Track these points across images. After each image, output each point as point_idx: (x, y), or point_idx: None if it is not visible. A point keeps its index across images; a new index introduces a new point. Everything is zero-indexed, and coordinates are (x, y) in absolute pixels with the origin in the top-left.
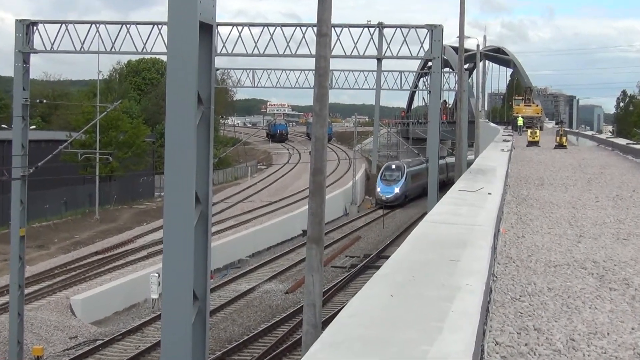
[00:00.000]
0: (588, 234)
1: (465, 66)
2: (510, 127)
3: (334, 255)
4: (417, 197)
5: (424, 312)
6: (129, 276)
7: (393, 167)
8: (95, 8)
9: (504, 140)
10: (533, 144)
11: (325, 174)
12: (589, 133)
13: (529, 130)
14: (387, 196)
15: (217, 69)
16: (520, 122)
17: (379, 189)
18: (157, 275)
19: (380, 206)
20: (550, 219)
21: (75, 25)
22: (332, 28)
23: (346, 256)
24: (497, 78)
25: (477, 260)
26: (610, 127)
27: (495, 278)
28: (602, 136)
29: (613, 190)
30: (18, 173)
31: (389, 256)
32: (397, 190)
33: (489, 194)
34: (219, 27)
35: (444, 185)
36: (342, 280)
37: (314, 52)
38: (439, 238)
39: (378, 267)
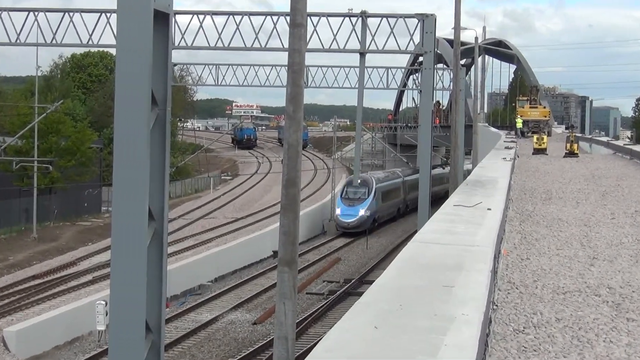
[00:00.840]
0: (602, 256)
1: (462, 62)
2: (513, 132)
3: (309, 280)
4: (391, 220)
5: (412, 346)
6: (72, 304)
7: (358, 182)
8: None
9: (506, 148)
10: (540, 151)
11: (300, 187)
12: (604, 139)
13: (535, 136)
14: (349, 220)
15: (175, 65)
16: (519, 124)
17: (338, 211)
18: (104, 303)
19: (340, 233)
20: (559, 238)
21: (9, 12)
22: (308, 17)
23: (324, 281)
24: (499, 76)
25: (475, 286)
26: (628, 133)
27: (495, 307)
28: (619, 143)
29: (631, 205)
30: None
31: (373, 281)
32: (362, 212)
33: (489, 209)
34: (176, 15)
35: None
36: (318, 309)
37: (286, 45)
38: (430, 260)
39: (360, 294)
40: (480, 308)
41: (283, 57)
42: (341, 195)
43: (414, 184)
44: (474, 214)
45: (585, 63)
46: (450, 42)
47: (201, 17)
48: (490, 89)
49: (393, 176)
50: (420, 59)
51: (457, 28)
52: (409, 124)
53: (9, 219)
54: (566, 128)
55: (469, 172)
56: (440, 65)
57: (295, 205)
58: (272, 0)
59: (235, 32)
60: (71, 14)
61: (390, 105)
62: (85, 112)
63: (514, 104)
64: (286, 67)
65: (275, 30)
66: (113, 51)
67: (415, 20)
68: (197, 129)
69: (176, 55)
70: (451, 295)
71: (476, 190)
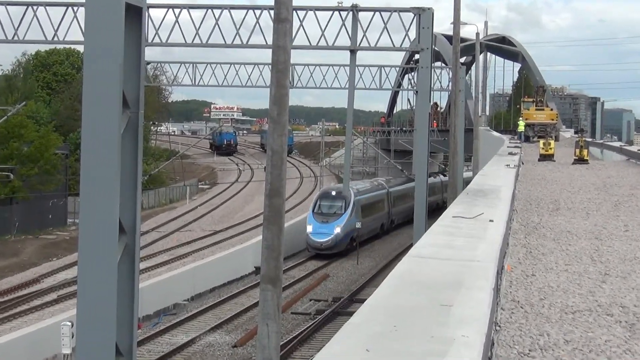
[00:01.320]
0: (615, 272)
1: (462, 60)
2: (517, 137)
3: (294, 298)
4: (373, 238)
5: None
6: (35, 325)
7: (333, 194)
8: None
9: (510, 154)
10: (546, 157)
11: (285, 197)
12: (617, 144)
13: (542, 141)
14: (322, 240)
15: (148, 63)
16: (521, 127)
17: (309, 229)
18: (70, 324)
19: (312, 255)
20: (567, 252)
21: None
22: (294, 11)
23: (310, 300)
24: (502, 75)
25: (476, 305)
26: None
27: (498, 327)
28: (633, 148)
29: None
30: None
31: (365, 300)
32: (337, 229)
33: (491, 221)
34: (150, 9)
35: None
36: (305, 330)
37: (270, 42)
38: (427, 277)
39: (351, 314)
40: (481, 329)
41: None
42: (313, 210)
43: (401, 196)
44: (475, 226)
45: (597, 61)
46: (449, 38)
47: (177, 10)
48: (492, 89)
49: (375, 187)
50: (417, 56)
51: (457, 23)
52: (404, 128)
53: None
54: (575, 132)
55: (469, 180)
56: (438, 64)
57: (279, 217)
58: None
59: (214, 27)
60: (35, 7)
61: (383, 107)
62: (50, 115)
63: (518, 106)
64: (270, 66)
65: (257, 25)
66: (81, 48)
67: (411, 15)
68: (172, 133)
69: (149, 53)
70: (450, 315)
71: (477, 200)
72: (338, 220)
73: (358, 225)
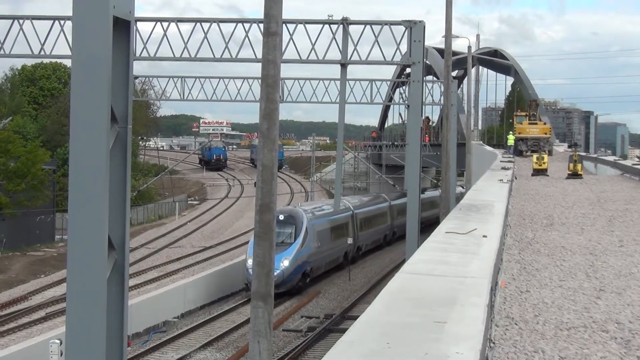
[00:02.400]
0: (610, 288)
1: (454, 73)
2: (509, 151)
3: (286, 315)
4: (334, 269)
5: None
6: (23, 343)
7: (280, 217)
8: None
9: (503, 168)
10: (540, 172)
11: (276, 213)
12: (611, 159)
13: (535, 155)
14: None
15: (136, 77)
16: (511, 140)
17: (250, 263)
18: (58, 342)
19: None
20: (561, 268)
21: None
22: (284, 25)
23: (302, 317)
24: (494, 89)
25: (470, 322)
26: (637, 151)
27: (492, 344)
28: (627, 162)
29: None
30: None
31: (357, 317)
32: (285, 263)
33: (484, 236)
34: (138, 23)
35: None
36: (296, 347)
37: (260, 56)
38: (420, 294)
39: (343, 331)
40: (475, 346)
41: (256, 69)
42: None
43: (370, 218)
44: (468, 241)
45: (590, 74)
46: (440, 51)
47: (165, 24)
48: (485, 103)
49: (337, 208)
50: (408, 70)
51: (449, 36)
52: (396, 143)
53: None
54: (569, 146)
55: (461, 195)
56: (429, 78)
57: (270, 233)
58: (244, 6)
59: (202, 41)
60: (21, 21)
61: (374, 121)
62: (37, 130)
63: (511, 120)
64: (259, 80)
65: (247, 39)
66: (67, 62)
67: (402, 28)
68: (161, 148)
69: (137, 67)
70: (444, 332)
71: (470, 216)
72: (286, 251)
73: (314, 249)
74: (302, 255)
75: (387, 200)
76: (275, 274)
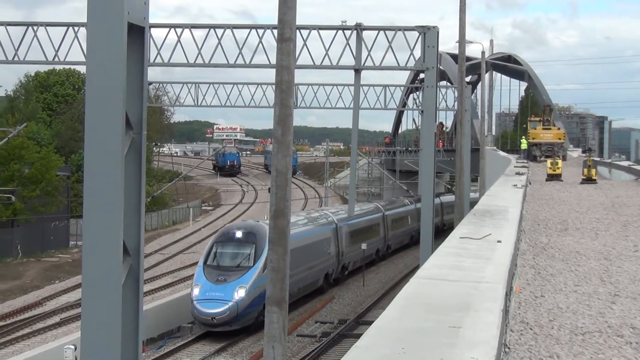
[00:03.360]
0: (625, 293)
1: (467, 79)
2: (523, 156)
3: (300, 320)
4: (308, 296)
5: None
6: (37, 349)
7: (237, 235)
8: None
9: (517, 174)
10: (554, 177)
11: (290, 218)
12: (625, 164)
13: (549, 161)
14: (213, 310)
15: (150, 83)
16: (524, 144)
17: (196, 292)
18: (73, 347)
19: (204, 331)
20: (576, 273)
21: None
22: (298, 30)
23: (316, 322)
24: (508, 94)
25: (484, 327)
26: None
27: (507, 349)
28: None
29: None
30: None
31: (372, 322)
32: (239, 294)
33: (499, 241)
34: (152, 29)
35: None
36: (311, 352)
37: (273, 62)
38: (435, 299)
39: (357, 337)
40: (490, 351)
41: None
42: (205, 261)
43: (356, 232)
44: (483, 247)
45: (603, 79)
46: (454, 57)
47: (179, 30)
48: (498, 108)
49: (309, 221)
50: (422, 75)
51: (462, 41)
52: (409, 148)
53: None
54: (583, 152)
55: (475, 201)
56: (443, 83)
57: (284, 239)
58: (257, 12)
59: (216, 47)
60: (35, 27)
61: (388, 127)
62: (51, 137)
63: (524, 125)
64: (273, 86)
65: (261, 45)
66: (81, 68)
67: (416, 33)
68: (175, 154)
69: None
70: (458, 337)
71: (484, 221)
72: (243, 277)
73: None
74: (263, 283)
75: (380, 211)
76: (225, 307)
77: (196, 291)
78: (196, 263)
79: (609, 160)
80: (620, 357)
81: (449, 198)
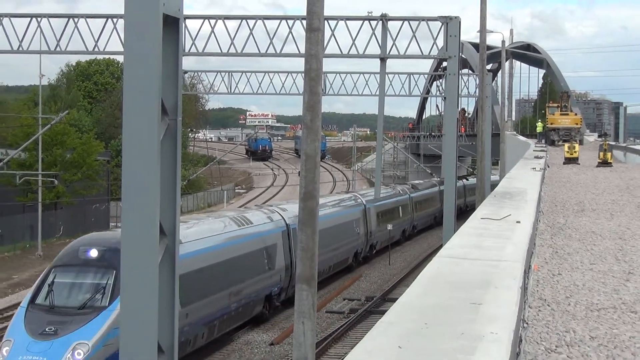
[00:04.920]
0: (639, 271)
1: (488, 67)
2: (543, 141)
3: (329, 297)
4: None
5: None
6: None
7: (89, 254)
8: None
9: (536, 157)
10: (571, 160)
11: (319, 200)
12: None
13: (566, 145)
14: None
15: (185, 72)
16: (539, 128)
17: (5, 350)
18: None
19: None
20: (592, 252)
21: (11, 18)
22: (326, 21)
23: (344, 299)
24: (527, 81)
25: (504, 304)
26: None
27: (525, 325)
28: None
29: None
30: None
31: (396, 299)
32: (77, 354)
33: (518, 222)
34: (187, 20)
35: None
36: (339, 328)
37: (303, 51)
38: (456, 277)
39: (383, 313)
40: (509, 326)
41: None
42: (31, 300)
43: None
44: (502, 227)
45: (619, 67)
46: (475, 46)
47: (212, 21)
48: (518, 95)
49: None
50: (444, 64)
51: (483, 31)
52: (433, 133)
53: (12, 235)
54: (599, 136)
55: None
56: (465, 71)
57: (313, 219)
58: (287, 4)
59: (248, 37)
60: (76, 19)
61: (412, 113)
62: (91, 123)
63: (543, 111)
64: (302, 74)
65: (290, 35)
66: (120, 58)
67: (439, 23)
68: (210, 139)
69: (186, 62)
70: (479, 313)
71: (504, 202)
72: (85, 327)
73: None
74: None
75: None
76: None
77: (5, 350)
78: None
79: (624, 144)
80: (634, 332)
81: (472, 181)
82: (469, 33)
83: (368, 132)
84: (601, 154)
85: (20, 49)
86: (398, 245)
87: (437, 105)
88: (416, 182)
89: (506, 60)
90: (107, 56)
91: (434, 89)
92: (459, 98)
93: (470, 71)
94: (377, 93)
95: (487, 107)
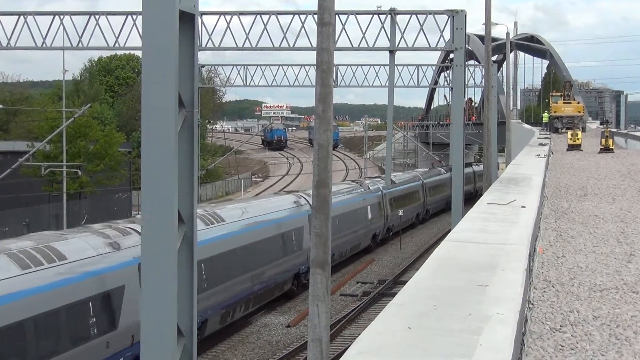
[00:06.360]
0: None
1: (493, 58)
2: (546, 129)
3: (343, 281)
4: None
5: (447, 348)
6: None
7: None
8: None
9: (540, 144)
10: (574, 147)
11: (331, 187)
12: None
13: (569, 132)
14: None
15: (202, 66)
16: (545, 118)
17: None
18: None
19: None
20: (595, 235)
21: (35, 16)
22: (337, 16)
23: (357, 282)
24: (531, 71)
25: (510, 285)
26: None
27: (531, 305)
28: None
29: None
30: None
31: (407, 282)
32: None
33: (523, 207)
34: (203, 16)
35: None
36: (352, 310)
37: (315, 44)
38: (464, 260)
39: (394, 295)
40: (515, 307)
41: (312, 57)
42: None
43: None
44: (508, 211)
45: (620, 57)
46: (481, 38)
47: (228, 17)
48: (523, 85)
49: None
50: (451, 55)
51: (488, 23)
52: (441, 122)
53: (39, 224)
54: (601, 123)
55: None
56: (471, 62)
57: (326, 206)
58: None
59: (262, 32)
60: (97, 16)
61: (421, 103)
62: (113, 116)
63: (547, 100)
64: (315, 67)
65: (303, 29)
66: (140, 53)
67: (445, 17)
68: (227, 130)
69: (203, 57)
70: (486, 294)
71: (510, 188)
72: None
73: None
74: None
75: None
76: None
77: None
78: None
79: (625, 131)
80: (636, 311)
81: (481, 167)
82: (475, 25)
83: (379, 121)
84: (603, 140)
85: (44, 45)
86: (412, 229)
87: (445, 96)
88: (426, 169)
89: (511, 52)
90: (127, 51)
91: (441, 80)
92: (466, 88)
93: (476, 62)
94: (387, 84)
95: (493, 97)
